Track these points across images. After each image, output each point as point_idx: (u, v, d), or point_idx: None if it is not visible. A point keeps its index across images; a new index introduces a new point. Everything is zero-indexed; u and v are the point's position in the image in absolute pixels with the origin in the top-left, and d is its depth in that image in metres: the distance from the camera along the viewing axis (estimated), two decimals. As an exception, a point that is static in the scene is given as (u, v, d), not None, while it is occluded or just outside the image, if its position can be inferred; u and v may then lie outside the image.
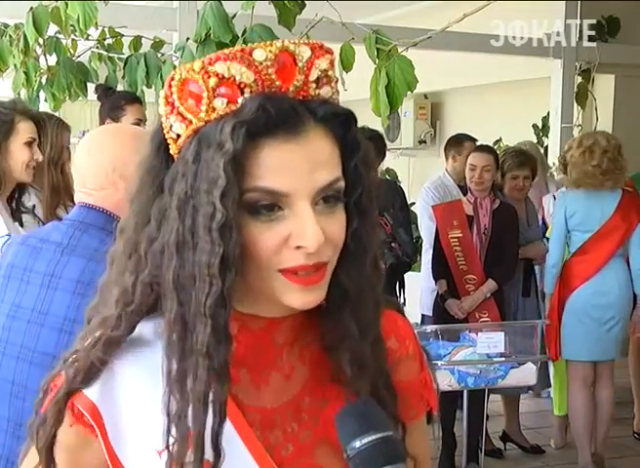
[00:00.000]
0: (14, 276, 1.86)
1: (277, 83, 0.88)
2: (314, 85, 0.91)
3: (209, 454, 0.90)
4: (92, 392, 0.95)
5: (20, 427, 1.74)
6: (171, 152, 0.92)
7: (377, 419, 0.91)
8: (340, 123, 0.92)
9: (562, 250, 4.28)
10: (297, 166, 0.88)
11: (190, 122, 0.89)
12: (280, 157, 0.87)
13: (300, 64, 0.89)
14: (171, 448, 0.91)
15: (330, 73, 0.93)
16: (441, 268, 4.39)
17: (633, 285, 4.23)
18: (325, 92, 0.92)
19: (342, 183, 0.92)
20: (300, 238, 0.88)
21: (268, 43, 0.89)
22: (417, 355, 1.09)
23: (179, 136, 0.91)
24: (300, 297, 0.91)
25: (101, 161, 1.85)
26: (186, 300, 0.89)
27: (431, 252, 4.54)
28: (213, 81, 0.87)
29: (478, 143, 4.91)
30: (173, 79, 0.90)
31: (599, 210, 4.15)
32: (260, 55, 0.87)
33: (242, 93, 0.88)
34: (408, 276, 4.26)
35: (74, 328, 1.70)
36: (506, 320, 4.33)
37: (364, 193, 0.94)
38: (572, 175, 4.18)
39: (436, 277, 4.44)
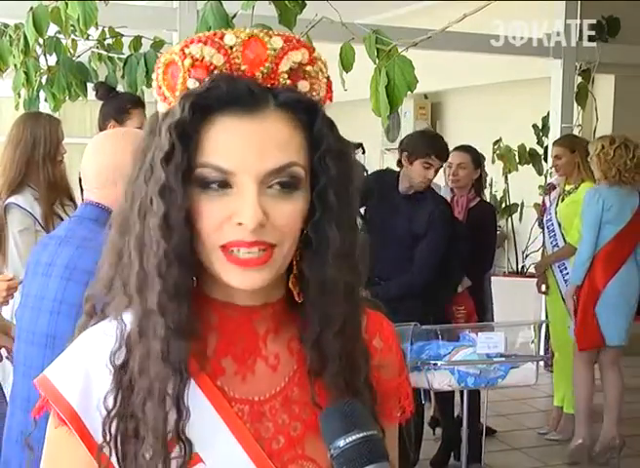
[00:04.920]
0: (31, 271, 2.12)
1: (243, 67, 0.91)
2: (285, 75, 0.93)
3: (173, 416, 0.92)
4: (71, 396, 0.96)
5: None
6: None
7: (360, 419, 0.92)
8: (303, 111, 0.93)
9: (595, 244, 4.39)
10: (246, 145, 0.90)
11: (170, 102, 0.93)
12: (231, 134, 0.90)
13: (269, 53, 0.92)
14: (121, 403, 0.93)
15: (309, 69, 0.94)
16: None
17: None
18: (302, 86, 0.94)
19: (298, 170, 0.92)
20: (240, 215, 0.90)
21: (241, 29, 0.93)
22: (399, 357, 1.11)
23: None
24: (239, 278, 0.92)
25: (103, 162, 2.02)
26: (145, 264, 0.93)
27: None
28: (187, 62, 0.91)
29: (479, 143, 4.96)
30: (160, 61, 0.94)
31: (629, 205, 4.35)
32: (229, 39, 0.91)
33: (211, 74, 0.91)
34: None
35: (62, 308, 1.95)
36: (483, 313, 4.55)
37: (329, 186, 0.95)
38: (609, 172, 4.35)
39: None
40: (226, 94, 0.90)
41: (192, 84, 0.91)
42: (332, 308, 0.97)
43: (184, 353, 0.93)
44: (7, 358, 3.11)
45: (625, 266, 4.43)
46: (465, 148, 4.80)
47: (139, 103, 3.90)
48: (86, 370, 0.96)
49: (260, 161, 0.90)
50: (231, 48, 0.91)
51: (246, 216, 0.89)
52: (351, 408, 0.93)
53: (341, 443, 0.89)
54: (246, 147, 0.90)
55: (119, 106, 3.88)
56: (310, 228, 0.95)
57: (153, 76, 0.96)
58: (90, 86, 4.44)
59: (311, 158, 0.94)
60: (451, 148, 5.23)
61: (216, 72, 0.91)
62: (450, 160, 4.58)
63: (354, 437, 0.89)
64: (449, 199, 4.60)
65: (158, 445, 0.92)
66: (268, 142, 0.90)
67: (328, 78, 0.97)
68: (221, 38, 0.91)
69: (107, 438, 0.93)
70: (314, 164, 0.94)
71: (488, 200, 6.05)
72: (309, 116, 0.94)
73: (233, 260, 0.91)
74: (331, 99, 0.98)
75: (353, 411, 0.92)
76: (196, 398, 0.95)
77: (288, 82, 0.93)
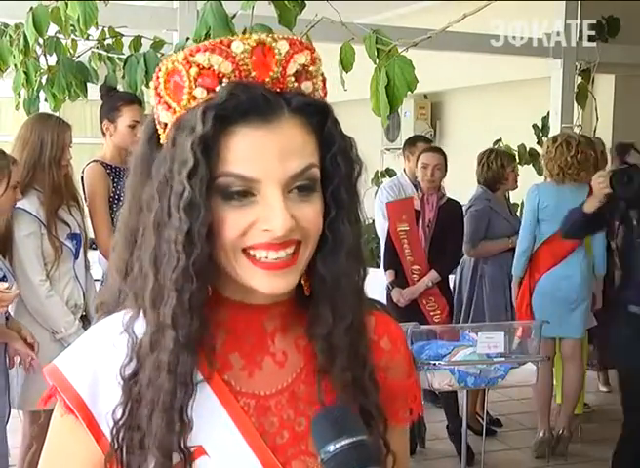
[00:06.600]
0: None
1: (253, 74, 0.92)
2: (292, 78, 0.94)
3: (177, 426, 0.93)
4: (80, 386, 0.97)
5: None
6: (161, 141, 0.95)
7: (350, 424, 0.92)
8: (314, 114, 0.94)
9: (532, 237, 4.63)
10: (268, 153, 0.90)
11: (175, 111, 0.93)
12: (252, 143, 0.90)
13: (277, 57, 0.92)
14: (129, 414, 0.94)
15: (311, 69, 0.95)
16: (391, 259, 4.77)
17: (595, 268, 4.64)
18: (306, 86, 0.95)
19: (316, 171, 0.94)
20: (268, 222, 0.90)
21: (247, 35, 0.93)
22: (407, 359, 1.11)
23: (166, 124, 0.94)
24: (268, 282, 0.93)
25: None
26: (161, 277, 0.92)
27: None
28: (194, 71, 0.91)
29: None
30: (160, 70, 0.94)
31: (571, 203, 4.33)
32: (237, 46, 0.91)
33: (220, 82, 0.91)
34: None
35: None
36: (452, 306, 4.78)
37: (341, 184, 0.97)
38: (553, 170, 4.51)
39: (386, 267, 4.82)
40: (245, 103, 0.90)
41: (200, 93, 0.91)
42: (344, 303, 0.99)
43: (192, 366, 0.93)
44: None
45: (567, 261, 4.51)
46: (439, 150, 4.98)
47: (130, 101, 3.90)
48: (94, 369, 0.97)
49: (282, 167, 0.91)
50: (238, 55, 0.91)
51: (276, 224, 0.90)
52: (341, 413, 0.94)
53: (331, 448, 0.90)
54: (267, 155, 0.90)
55: (112, 105, 3.89)
56: (327, 226, 0.96)
57: (152, 84, 0.95)
58: (90, 86, 4.44)
59: (321, 158, 0.96)
60: (450, 149, 5.29)
61: (225, 80, 0.91)
62: (426, 161, 4.72)
63: (344, 442, 0.90)
64: (417, 197, 4.76)
65: (161, 456, 0.93)
66: (287, 148, 0.91)
67: (322, 75, 0.98)
68: (229, 46, 0.91)
69: (115, 447, 0.94)
70: (325, 163, 0.96)
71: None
72: (319, 117, 0.95)
73: (260, 265, 0.92)
74: (325, 95, 0.99)
75: (343, 417, 0.93)
76: (202, 390, 0.95)
77: (295, 85, 0.94)
